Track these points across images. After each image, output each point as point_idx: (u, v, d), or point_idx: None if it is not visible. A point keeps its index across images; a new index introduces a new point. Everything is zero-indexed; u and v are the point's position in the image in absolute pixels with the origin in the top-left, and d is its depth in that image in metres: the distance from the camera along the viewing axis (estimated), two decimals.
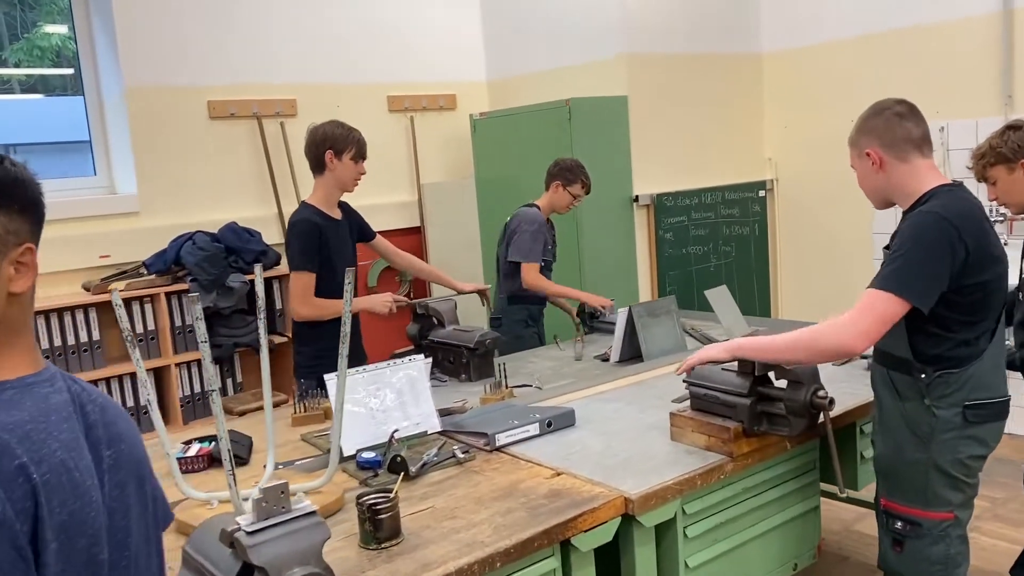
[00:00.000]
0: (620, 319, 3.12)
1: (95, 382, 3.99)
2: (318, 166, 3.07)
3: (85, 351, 3.96)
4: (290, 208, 4.80)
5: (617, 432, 2.33)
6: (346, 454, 2.20)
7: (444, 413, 2.47)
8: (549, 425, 2.35)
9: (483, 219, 5.15)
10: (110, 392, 4.02)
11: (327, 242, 3.02)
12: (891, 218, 2.38)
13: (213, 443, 2.38)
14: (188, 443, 2.41)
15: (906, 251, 1.91)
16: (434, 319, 3.18)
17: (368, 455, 2.16)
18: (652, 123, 4.92)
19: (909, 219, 1.99)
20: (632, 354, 3.11)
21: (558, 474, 2.05)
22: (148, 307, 4.12)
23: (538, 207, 3.87)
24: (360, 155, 3.10)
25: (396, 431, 2.21)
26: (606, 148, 4.71)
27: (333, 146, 3.03)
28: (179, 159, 4.47)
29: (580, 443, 2.26)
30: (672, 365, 2.85)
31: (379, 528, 1.71)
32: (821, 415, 2.03)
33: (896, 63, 4.74)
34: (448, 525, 1.80)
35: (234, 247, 4.31)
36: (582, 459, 2.13)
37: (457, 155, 5.44)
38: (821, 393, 1.99)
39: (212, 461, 2.32)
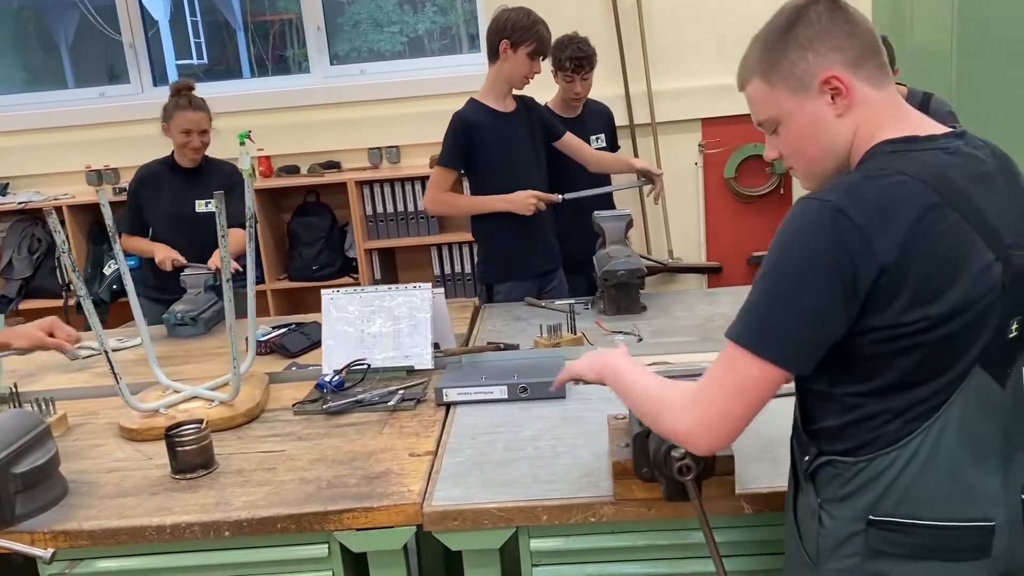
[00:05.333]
0: None
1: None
2: (492, 53, 2.84)
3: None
4: (637, 89, 4.51)
5: (585, 421, 1.83)
6: (323, 372, 2.17)
7: (448, 353, 2.22)
8: (524, 391, 1.95)
9: None
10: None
11: (482, 138, 2.82)
12: None
13: (285, 331, 2.55)
14: (277, 328, 2.61)
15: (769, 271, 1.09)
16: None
17: (327, 377, 2.10)
18: None
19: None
20: None
21: (430, 454, 1.73)
22: None
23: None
24: (539, 52, 2.78)
25: (361, 362, 2.10)
26: None
27: (510, 36, 2.76)
28: None
29: (519, 423, 1.84)
30: None
31: (175, 458, 1.71)
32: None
33: None
34: (256, 476, 1.69)
35: None
36: (486, 443, 1.75)
37: None
38: (675, 452, 1.27)
39: (272, 350, 2.50)
